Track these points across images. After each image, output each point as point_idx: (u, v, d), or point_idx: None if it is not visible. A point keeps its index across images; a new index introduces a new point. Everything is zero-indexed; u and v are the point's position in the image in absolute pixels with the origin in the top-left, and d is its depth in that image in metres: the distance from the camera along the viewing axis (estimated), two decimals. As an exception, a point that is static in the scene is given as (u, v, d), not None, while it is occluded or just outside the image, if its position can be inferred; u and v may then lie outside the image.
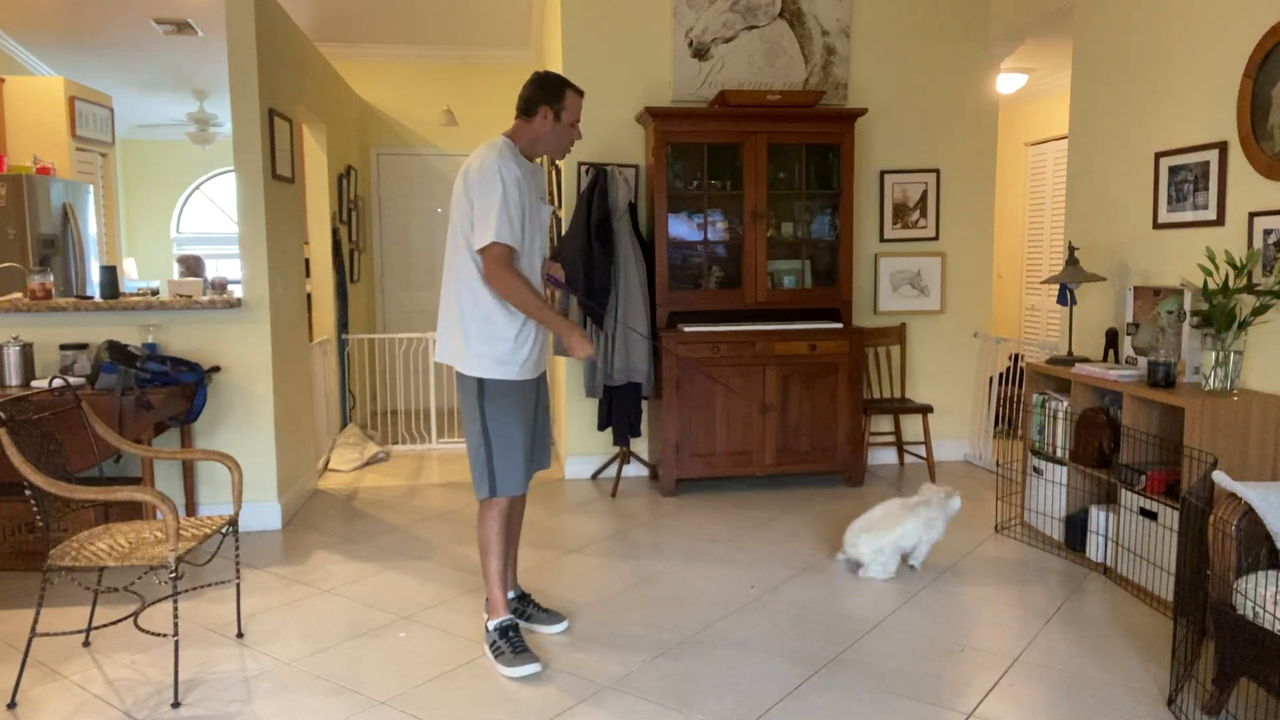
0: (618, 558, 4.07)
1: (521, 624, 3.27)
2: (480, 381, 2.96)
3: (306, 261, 5.87)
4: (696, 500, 4.98)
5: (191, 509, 4.39)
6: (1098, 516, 3.85)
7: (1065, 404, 4.04)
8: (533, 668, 2.92)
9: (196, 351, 4.35)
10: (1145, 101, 4.06)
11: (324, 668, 3.00)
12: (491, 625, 3.04)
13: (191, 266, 6.35)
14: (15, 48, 7.14)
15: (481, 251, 2.86)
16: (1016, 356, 6.10)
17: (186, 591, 3.63)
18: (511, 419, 2.98)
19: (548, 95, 2.96)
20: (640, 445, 5.52)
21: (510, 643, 2.98)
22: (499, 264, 2.84)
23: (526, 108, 2.97)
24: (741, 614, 3.42)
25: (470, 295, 2.93)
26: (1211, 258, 3.45)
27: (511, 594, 3.30)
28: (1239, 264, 3.33)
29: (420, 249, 7.89)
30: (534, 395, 3.10)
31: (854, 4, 5.50)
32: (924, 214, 5.69)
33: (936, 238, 5.72)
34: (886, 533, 3.81)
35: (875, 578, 3.79)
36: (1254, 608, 2.43)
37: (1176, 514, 3.20)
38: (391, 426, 7.05)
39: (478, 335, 2.94)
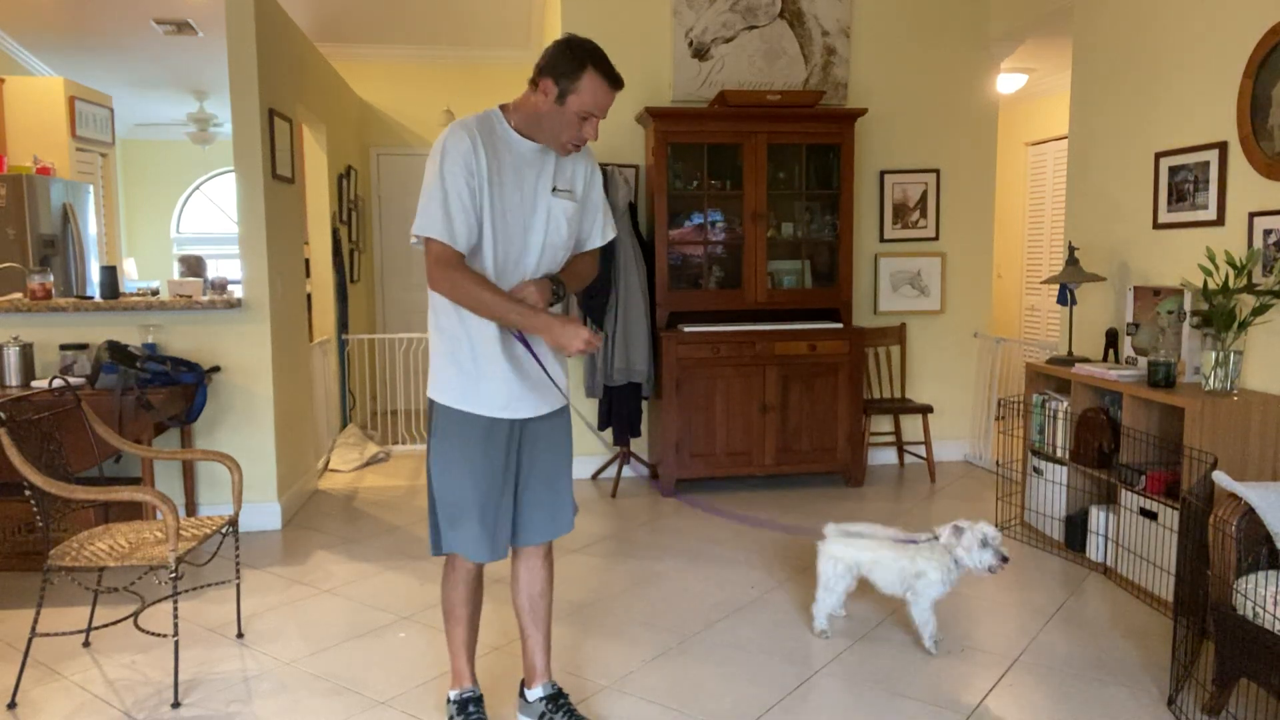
0: (618, 558, 4.07)
1: None
2: (431, 404, 2.41)
3: (306, 261, 5.87)
4: (697, 500, 4.98)
5: (191, 509, 4.39)
6: (1098, 516, 3.85)
7: (1065, 404, 4.04)
8: None
9: (196, 351, 4.35)
10: (1145, 101, 4.06)
11: (324, 668, 3.00)
12: (451, 695, 2.58)
13: (193, 266, 6.34)
14: (15, 48, 7.14)
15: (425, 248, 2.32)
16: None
17: (186, 592, 3.63)
18: (457, 463, 2.36)
19: (560, 65, 2.24)
20: (640, 445, 5.52)
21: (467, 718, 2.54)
22: (437, 265, 2.28)
23: (535, 73, 2.29)
24: (741, 614, 3.42)
25: (432, 299, 2.41)
26: (1211, 258, 3.45)
27: (539, 691, 2.61)
28: (1239, 264, 3.33)
29: (420, 249, 7.87)
30: (503, 440, 2.39)
31: (854, 4, 5.50)
32: (924, 214, 5.69)
33: (936, 238, 5.72)
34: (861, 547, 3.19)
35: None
36: (1254, 608, 2.43)
37: (1176, 514, 3.20)
38: (391, 426, 7.05)
39: (436, 347, 2.41)
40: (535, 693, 2.59)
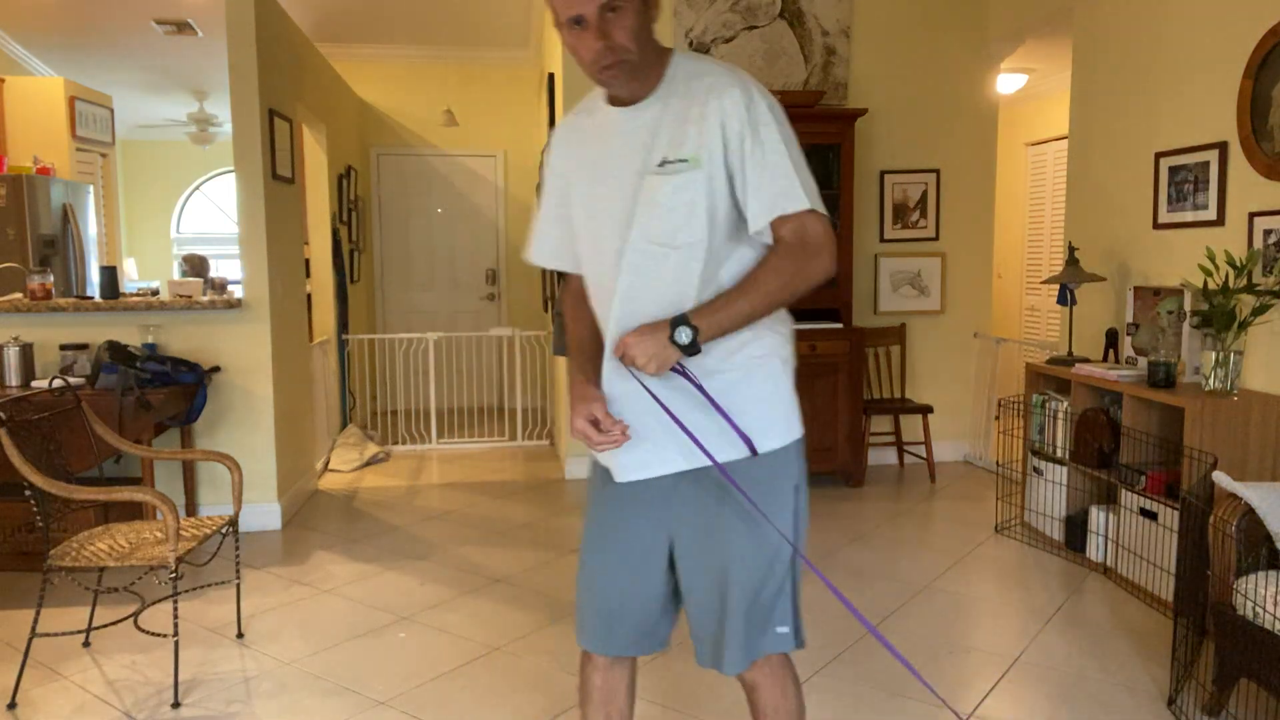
0: (618, 558, 4.07)
1: None
2: None
3: (306, 261, 5.87)
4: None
5: (192, 509, 4.39)
6: (1098, 516, 3.85)
7: (1065, 404, 4.04)
8: None
9: (196, 352, 4.35)
10: (1145, 101, 4.06)
11: (324, 668, 3.00)
12: None
13: (196, 266, 6.36)
14: (15, 48, 7.14)
15: None
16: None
17: (186, 592, 3.63)
18: (586, 520, 1.85)
19: None
20: (640, 445, 5.51)
21: None
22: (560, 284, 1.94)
23: None
24: (741, 614, 3.41)
25: None
26: (1211, 258, 3.45)
27: None
28: (1239, 264, 3.33)
29: (420, 249, 7.89)
30: (632, 503, 1.75)
31: (854, 4, 5.50)
32: (924, 214, 5.69)
33: (936, 238, 5.72)
34: None
35: None
36: (1254, 608, 2.43)
37: (1176, 514, 3.20)
38: (391, 427, 7.05)
39: None
40: None
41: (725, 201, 1.63)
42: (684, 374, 1.67)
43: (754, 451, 1.67)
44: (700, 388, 1.66)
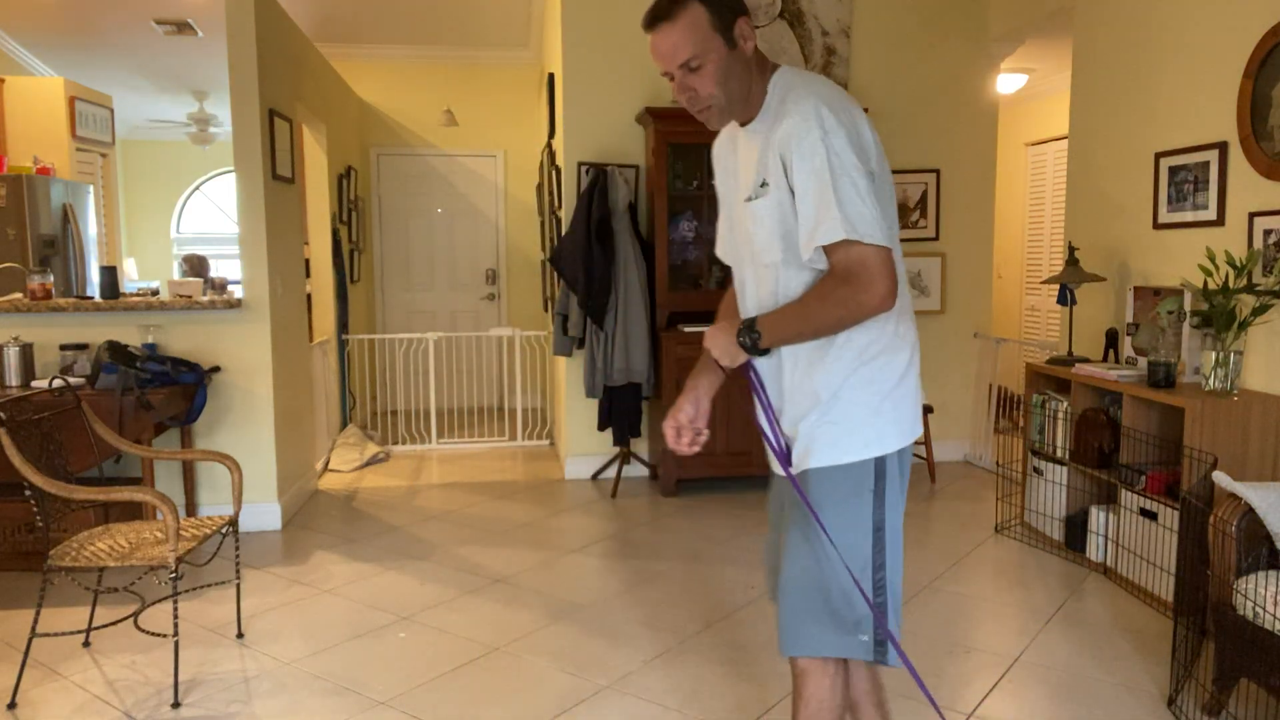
0: (618, 558, 4.07)
1: None
2: None
3: (306, 262, 5.87)
4: (696, 500, 4.98)
5: (192, 509, 4.39)
6: (1098, 516, 3.85)
7: (1065, 404, 4.04)
8: None
9: (196, 352, 4.35)
10: (1145, 101, 4.06)
11: (324, 668, 3.00)
12: None
13: (196, 266, 6.36)
14: (15, 48, 7.14)
15: None
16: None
17: (186, 592, 3.63)
18: None
19: None
20: (640, 445, 5.52)
21: None
22: None
23: None
24: (741, 614, 3.42)
25: None
26: (1211, 258, 3.45)
27: None
28: (1239, 264, 3.33)
29: (420, 249, 7.89)
30: (776, 486, 1.97)
31: (854, 4, 5.50)
32: (924, 214, 5.69)
33: (936, 238, 5.72)
34: None
35: None
36: (1254, 608, 2.43)
37: (1176, 514, 3.20)
38: (391, 427, 7.05)
39: None
40: None
41: (795, 224, 1.71)
42: (750, 377, 1.83)
43: (786, 462, 1.82)
44: (764, 397, 1.82)
